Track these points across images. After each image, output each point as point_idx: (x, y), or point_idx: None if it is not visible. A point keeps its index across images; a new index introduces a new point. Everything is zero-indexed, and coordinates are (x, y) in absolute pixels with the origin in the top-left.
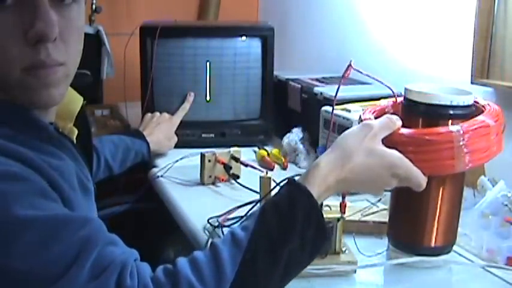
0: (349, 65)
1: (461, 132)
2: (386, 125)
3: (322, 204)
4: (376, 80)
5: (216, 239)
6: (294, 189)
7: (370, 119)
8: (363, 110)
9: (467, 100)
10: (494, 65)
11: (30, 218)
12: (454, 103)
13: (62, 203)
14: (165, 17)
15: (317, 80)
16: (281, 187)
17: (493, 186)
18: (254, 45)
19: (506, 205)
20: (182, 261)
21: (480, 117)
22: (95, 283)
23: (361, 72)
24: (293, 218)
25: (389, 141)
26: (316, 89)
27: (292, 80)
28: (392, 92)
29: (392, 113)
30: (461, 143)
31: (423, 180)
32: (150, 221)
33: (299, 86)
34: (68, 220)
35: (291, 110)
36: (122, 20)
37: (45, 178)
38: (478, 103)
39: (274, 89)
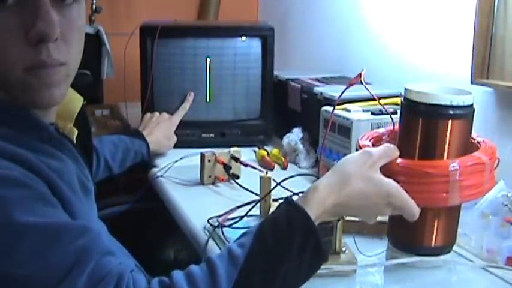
0: (359, 74)
1: (458, 167)
2: (385, 153)
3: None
4: (379, 102)
5: (212, 254)
6: (293, 210)
7: (367, 146)
8: (362, 135)
9: (467, 100)
10: (494, 65)
11: (30, 224)
12: (454, 103)
13: (62, 206)
14: (165, 17)
15: (317, 80)
16: (279, 206)
17: None
18: (254, 45)
19: (506, 205)
20: (178, 275)
21: (476, 154)
22: None
23: (366, 88)
24: (290, 239)
25: (386, 170)
26: (316, 89)
27: (292, 80)
28: (392, 118)
29: (388, 141)
30: (456, 178)
31: (417, 212)
32: (150, 221)
33: (299, 86)
34: (67, 228)
35: (291, 110)
36: (122, 20)
37: (45, 181)
38: (474, 139)
39: (274, 89)
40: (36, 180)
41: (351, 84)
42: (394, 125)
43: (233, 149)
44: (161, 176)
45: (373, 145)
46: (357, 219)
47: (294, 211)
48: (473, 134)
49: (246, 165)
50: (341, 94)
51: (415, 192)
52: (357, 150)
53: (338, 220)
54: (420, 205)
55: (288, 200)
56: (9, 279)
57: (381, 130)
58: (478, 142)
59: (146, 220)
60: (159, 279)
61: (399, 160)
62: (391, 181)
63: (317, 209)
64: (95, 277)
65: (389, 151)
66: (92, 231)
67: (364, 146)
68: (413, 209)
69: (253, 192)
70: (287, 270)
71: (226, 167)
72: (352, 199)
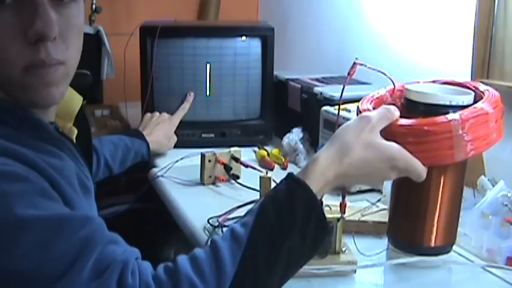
0: (354, 63)
1: (460, 121)
2: (385, 116)
3: (322, 199)
4: (381, 71)
5: (216, 235)
6: (293, 184)
7: (368, 109)
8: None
9: (466, 100)
10: (494, 65)
11: (31, 218)
12: (453, 103)
13: (63, 202)
14: (165, 17)
15: (317, 80)
16: (280, 182)
17: (493, 186)
18: (254, 45)
19: (506, 205)
20: (182, 259)
21: (479, 105)
22: (97, 282)
23: (366, 66)
24: (292, 214)
25: (387, 133)
26: (316, 89)
27: (292, 80)
28: (392, 81)
29: (390, 103)
30: (460, 132)
31: (423, 171)
32: (150, 221)
33: (299, 86)
34: (69, 219)
35: (291, 110)
36: (122, 20)
37: (46, 178)
38: (477, 89)
39: (274, 89)
40: (37, 176)
41: (350, 75)
42: (394, 85)
43: (233, 149)
44: (161, 176)
45: (374, 108)
46: (357, 219)
47: (295, 185)
48: (477, 84)
49: (246, 165)
50: (343, 89)
51: (419, 152)
52: (357, 115)
53: (338, 220)
54: (426, 164)
55: (288, 175)
56: (14, 274)
57: (382, 91)
58: (482, 92)
59: (146, 220)
60: (164, 264)
61: (399, 121)
62: (392, 144)
63: (318, 181)
64: (100, 266)
65: (388, 113)
66: (94, 220)
67: (365, 110)
68: (418, 169)
69: (254, 189)
70: (291, 245)
71: (227, 167)
72: (355, 168)
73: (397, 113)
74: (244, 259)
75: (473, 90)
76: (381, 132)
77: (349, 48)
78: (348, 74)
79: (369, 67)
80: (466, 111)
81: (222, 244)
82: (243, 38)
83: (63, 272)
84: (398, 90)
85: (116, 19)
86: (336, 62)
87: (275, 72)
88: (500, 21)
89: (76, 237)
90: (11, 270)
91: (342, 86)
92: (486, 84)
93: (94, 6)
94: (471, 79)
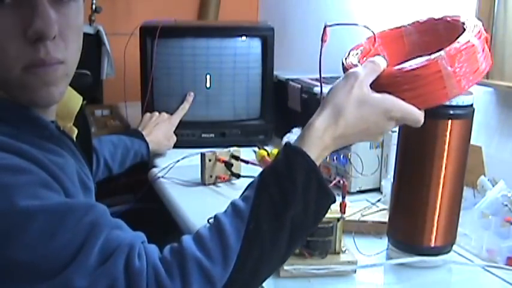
0: (325, 26)
1: (447, 58)
2: (372, 69)
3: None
4: (355, 24)
5: (218, 212)
6: (291, 152)
7: (354, 64)
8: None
9: (466, 100)
10: (494, 65)
11: (33, 209)
12: (454, 103)
13: (64, 196)
14: (165, 17)
15: (317, 80)
16: (278, 152)
17: (493, 186)
18: (254, 45)
19: (506, 205)
20: (187, 239)
21: (462, 38)
22: (104, 267)
23: (338, 24)
24: (293, 182)
25: (377, 86)
26: (316, 89)
27: (292, 80)
28: (371, 31)
29: (375, 54)
30: (449, 69)
31: (420, 116)
32: (150, 221)
33: (299, 86)
34: (72, 207)
35: (291, 110)
36: (122, 20)
37: (47, 172)
38: (458, 21)
39: (274, 89)
40: (38, 169)
41: (323, 41)
42: (374, 34)
43: (233, 149)
44: (162, 177)
45: (359, 61)
46: (356, 218)
47: (292, 153)
48: (457, 16)
49: (247, 162)
50: (320, 56)
51: (413, 98)
52: (344, 71)
53: (338, 220)
54: (422, 108)
55: (285, 144)
56: (21, 264)
57: (363, 42)
58: (463, 23)
59: (146, 220)
60: (170, 246)
61: (388, 71)
62: (385, 95)
63: (316, 146)
64: (106, 251)
65: (374, 66)
66: (97, 207)
67: (351, 65)
68: (415, 115)
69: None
70: (294, 214)
71: (228, 164)
72: (351, 127)
73: (384, 64)
74: (248, 233)
75: (454, 23)
76: (370, 85)
77: (349, 48)
78: (322, 41)
79: (341, 24)
80: (451, 47)
81: (224, 220)
82: (243, 38)
83: (70, 260)
84: (379, 39)
85: (115, 19)
86: (335, 62)
87: (275, 72)
88: (500, 22)
89: (80, 224)
90: (18, 261)
91: None
92: (486, 84)
93: (94, 6)
94: None
